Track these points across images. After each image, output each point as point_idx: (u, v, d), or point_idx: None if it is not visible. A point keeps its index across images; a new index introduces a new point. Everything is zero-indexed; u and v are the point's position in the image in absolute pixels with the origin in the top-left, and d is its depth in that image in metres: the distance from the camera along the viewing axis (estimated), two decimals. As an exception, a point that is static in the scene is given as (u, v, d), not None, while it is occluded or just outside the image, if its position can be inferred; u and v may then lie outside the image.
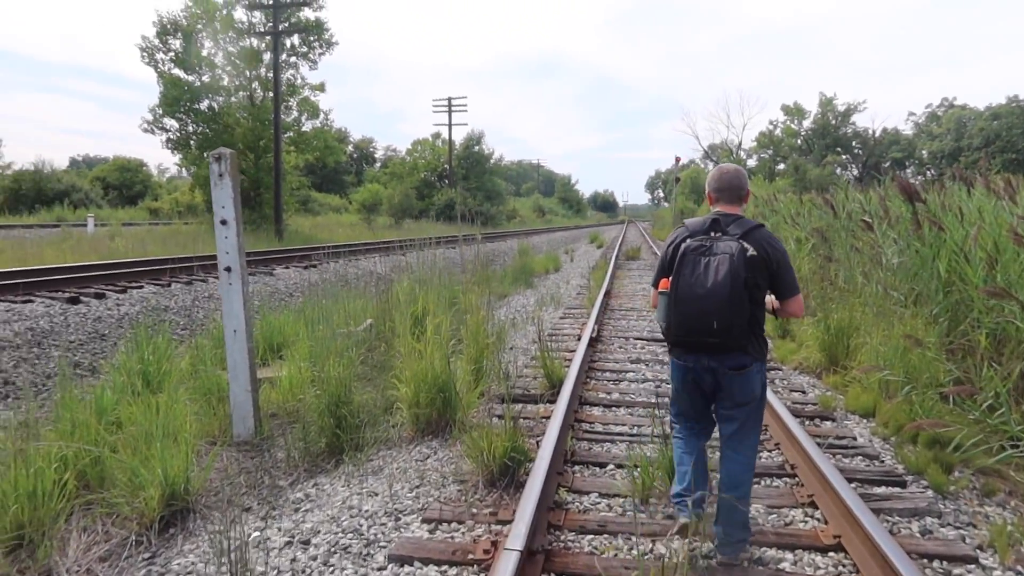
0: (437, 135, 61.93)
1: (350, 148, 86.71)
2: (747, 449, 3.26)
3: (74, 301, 8.97)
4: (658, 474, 4.00)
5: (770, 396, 5.45)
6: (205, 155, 31.77)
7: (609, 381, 6.70)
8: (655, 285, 3.31)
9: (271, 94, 29.06)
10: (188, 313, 9.74)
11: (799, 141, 71.63)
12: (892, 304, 6.96)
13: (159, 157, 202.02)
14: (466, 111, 74.52)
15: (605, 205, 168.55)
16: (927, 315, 6.26)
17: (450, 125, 53.59)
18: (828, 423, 5.44)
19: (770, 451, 4.83)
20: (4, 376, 6.86)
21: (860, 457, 4.67)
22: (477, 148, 58.35)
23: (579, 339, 8.27)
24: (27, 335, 7.65)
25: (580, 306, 11.93)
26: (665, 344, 3.42)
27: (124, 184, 51.36)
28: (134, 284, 10.80)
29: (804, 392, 6.34)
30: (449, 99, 53.04)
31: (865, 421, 5.51)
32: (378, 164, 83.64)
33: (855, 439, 5.05)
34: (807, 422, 5.44)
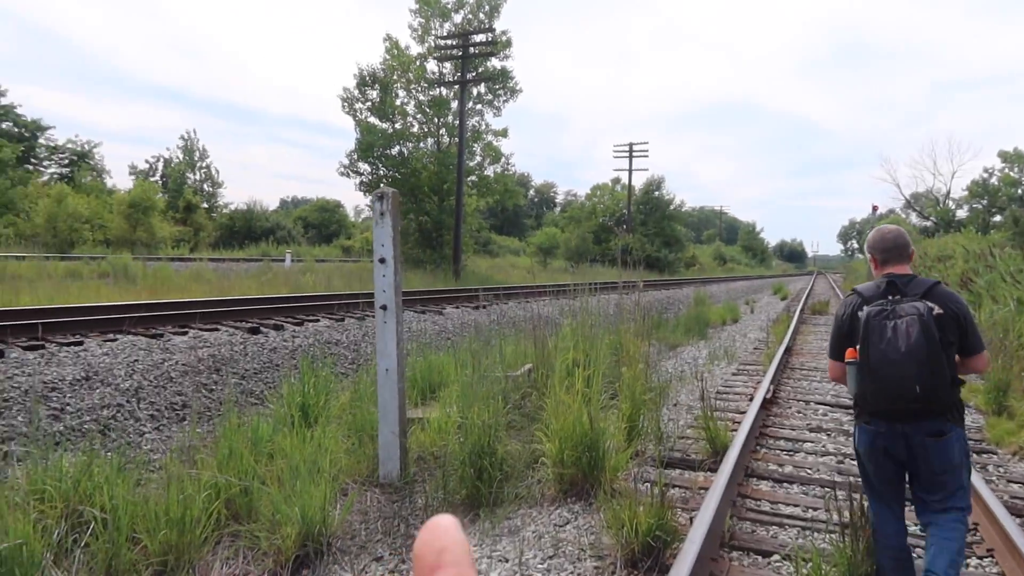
0: (617, 180, 61.84)
1: (531, 192, 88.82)
2: (953, 523, 2.96)
3: (255, 331, 9.45)
4: (833, 573, 3.37)
5: (982, 488, 4.60)
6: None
7: (782, 451, 5.99)
8: (833, 356, 3.31)
9: (456, 139, 30.26)
10: (357, 348, 10.00)
11: (1020, 191, 64.77)
12: None
13: (355, 199, 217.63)
14: (647, 156, 74.19)
15: (792, 255, 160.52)
16: None
17: (630, 170, 53.34)
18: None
19: (980, 558, 4.00)
20: (184, 399, 7.24)
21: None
22: (657, 193, 57.59)
23: (751, 399, 7.57)
24: (209, 361, 8.08)
25: (756, 362, 11.09)
26: (851, 412, 3.15)
27: (322, 223, 55.38)
28: (311, 317, 11.28)
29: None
30: (630, 144, 52.89)
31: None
32: (558, 208, 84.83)
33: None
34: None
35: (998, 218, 60.78)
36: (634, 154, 53.10)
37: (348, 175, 33.59)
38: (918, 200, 67.40)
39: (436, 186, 33.11)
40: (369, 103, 32.92)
